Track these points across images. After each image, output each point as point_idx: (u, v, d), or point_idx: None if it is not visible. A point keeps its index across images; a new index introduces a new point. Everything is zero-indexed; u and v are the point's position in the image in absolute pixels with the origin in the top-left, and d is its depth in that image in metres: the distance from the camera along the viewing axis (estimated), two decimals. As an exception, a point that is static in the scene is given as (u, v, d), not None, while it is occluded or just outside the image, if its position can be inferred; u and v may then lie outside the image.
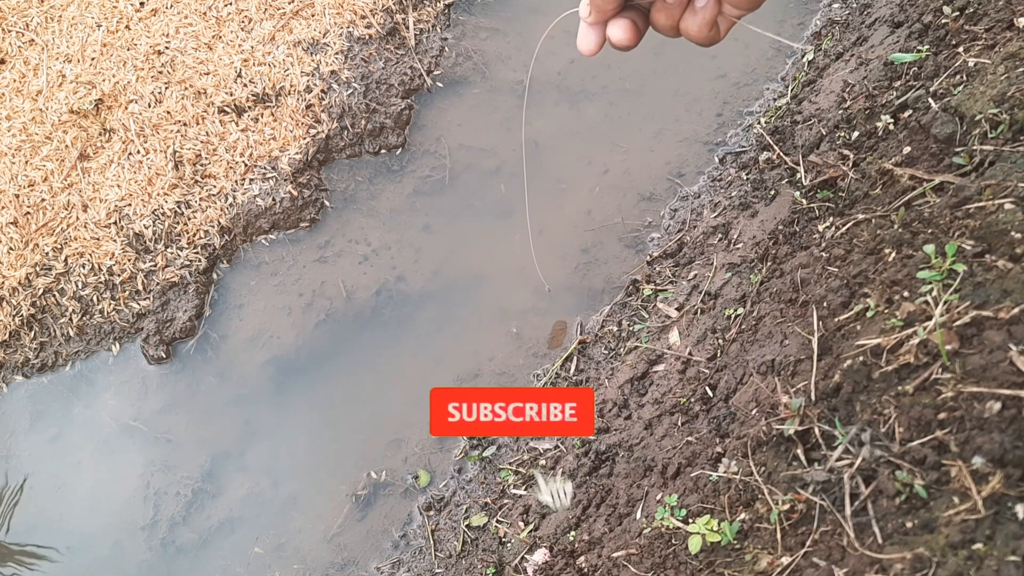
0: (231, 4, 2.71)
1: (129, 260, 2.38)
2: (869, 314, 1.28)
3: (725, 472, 1.32)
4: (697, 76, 2.53)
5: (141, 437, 2.22)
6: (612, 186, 2.37)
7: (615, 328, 2.10)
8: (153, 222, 2.40)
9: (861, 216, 1.56)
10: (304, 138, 2.48)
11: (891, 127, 1.73)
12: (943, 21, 1.82)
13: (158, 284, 2.36)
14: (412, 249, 2.37)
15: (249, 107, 2.53)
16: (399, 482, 2.04)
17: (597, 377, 2.01)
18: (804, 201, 1.85)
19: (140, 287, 2.36)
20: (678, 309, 1.99)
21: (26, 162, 2.56)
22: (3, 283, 2.41)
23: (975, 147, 1.41)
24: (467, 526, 1.89)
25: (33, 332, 2.39)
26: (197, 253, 2.38)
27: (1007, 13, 1.62)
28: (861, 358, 1.19)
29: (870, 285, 1.34)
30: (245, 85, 2.54)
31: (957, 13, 1.78)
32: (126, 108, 2.57)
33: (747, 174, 2.19)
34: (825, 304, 1.43)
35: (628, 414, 1.84)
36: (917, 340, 1.11)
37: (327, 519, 2.03)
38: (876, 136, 1.77)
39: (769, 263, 1.81)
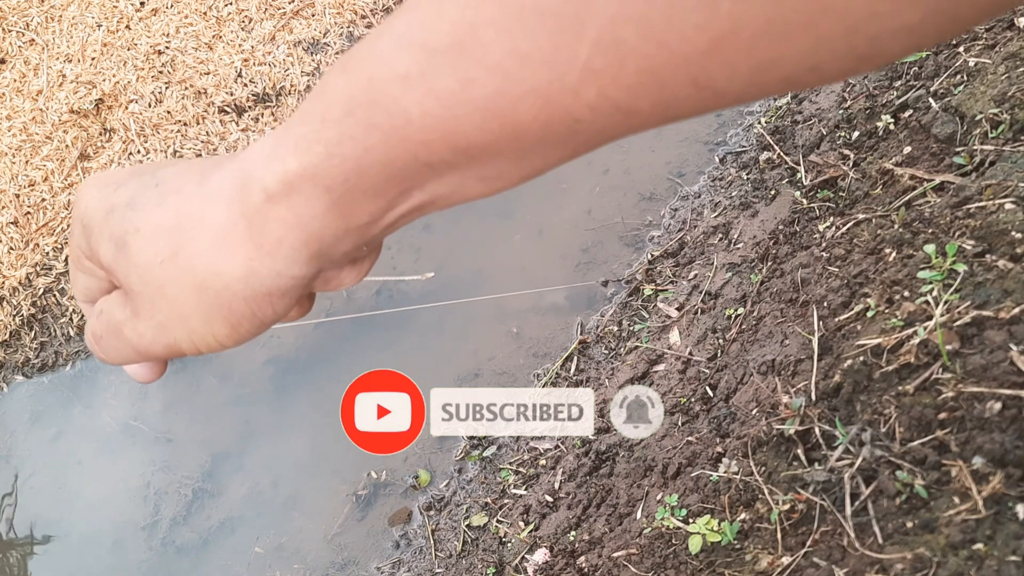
0: (231, 4, 2.71)
1: (129, 260, 2.38)
2: (869, 314, 1.28)
3: (725, 472, 1.32)
4: (697, 76, 2.53)
5: (141, 437, 2.22)
6: (612, 185, 2.37)
7: (615, 328, 2.10)
8: (153, 222, 2.40)
9: (861, 216, 1.56)
10: (304, 138, 2.48)
11: (891, 127, 1.73)
12: (944, 21, 1.82)
13: (158, 284, 2.35)
14: (412, 249, 2.37)
15: (250, 107, 2.53)
16: (399, 482, 2.04)
17: (598, 377, 2.01)
18: (804, 201, 1.85)
19: (140, 287, 2.36)
20: (678, 309, 1.99)
21: (26, 162, 2.56)
22: (3, 283, 2.41)
23: (976, 147, 1.41)
24: (467, 526, 1.89)
25: (33, 332, 2.39)
26: (197, 253, 2.38)
27: (1008, 13, 1.62)
28: (861, 358, 1.19)
29: (870, 285, 1.34)
30: (245, 85, 2.54)
31: (958, 13, 1.78)
32: (126, 108, 2.57)
33: (747, 174, 2.19)
34: (825, 304, 1.43)
35: (628, 414, 1.84)
36: (917, 340, 1.11)
37: (327, 519, 2.03)
38: (876, 136, 1.77)
39: (769, 263, 1.81)
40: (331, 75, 0.30)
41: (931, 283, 1.18)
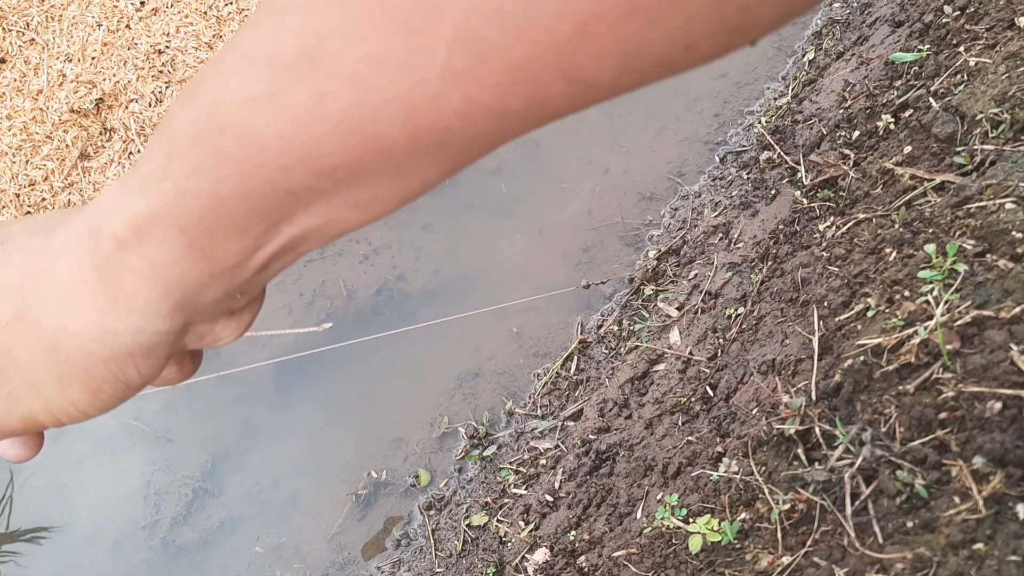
0: (232, 3, 2.71)
1: (129, 259, 2.38)
2: (870, 314, 1.28)
3: (726, 472, 1.32)
4: (697, 75, 2.53)
5: (142, 436, 2.22)
6: (613, 185, 2.37)
7: (616, 328, 2.10)
8: (153, 221, 2.40)
9: (862, 215, 1.56)
10: (304, 137, 2.48)
11: (892, 126, 1.73)
12: (944, 20, 1.82)
13: (158, 283, 2.36)
14: (412, 248, 2.37)
15: (249, 106, 2.53)
16: (399, 481, 2.04)
17: (598, 377, 2.01)
18: (805, 200, 1.84)
19: (140, 286, 2.36)
20: (679, 308, 1.99)
21: (27, 161, 2.56)
22: (4, 282, 2.42)
23: (976, 146, 1.41)
24: (467, 525, 1.89)
25: (34, 331, 2.39)
26: (197, 252, 2.38)
27: (1008, 12, 1.62)
28: (862, 358, 1.19)
29: (871, 284, 1.34)
30: (245, 84, 2.54)
31: (958, 12, 1.78)
32: (127, 107, 2.57)
33: (748, 173, 2.19)
34: (826, 303, 1.43)
35: (629, 413, 1.84)
36: (918, 340, 1.11)
37: (327, 518, 2.03)
38: (877, 135, 1.77)
39: (770, 262, 1.81)
40: (176, 104, 0.27)
41: (931, 283, 1.18)
